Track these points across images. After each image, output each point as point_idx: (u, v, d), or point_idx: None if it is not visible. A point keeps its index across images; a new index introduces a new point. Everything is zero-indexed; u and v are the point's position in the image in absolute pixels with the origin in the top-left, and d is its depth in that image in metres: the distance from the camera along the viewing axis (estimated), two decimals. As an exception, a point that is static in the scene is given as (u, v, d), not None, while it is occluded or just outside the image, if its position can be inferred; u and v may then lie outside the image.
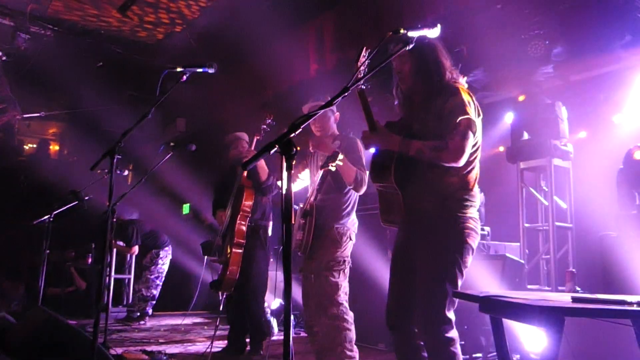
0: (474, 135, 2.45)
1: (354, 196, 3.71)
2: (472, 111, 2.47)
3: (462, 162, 2.42)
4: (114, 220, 7.81)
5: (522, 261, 5.00)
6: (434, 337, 2.38)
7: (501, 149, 6.61)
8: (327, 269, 3.52)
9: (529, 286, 5.07)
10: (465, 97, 2.49)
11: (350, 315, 3.51)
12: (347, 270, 3.60)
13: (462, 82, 2.66)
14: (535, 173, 5.67)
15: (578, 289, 4.36)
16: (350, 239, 3.66)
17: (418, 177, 2.52)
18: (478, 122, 2.50)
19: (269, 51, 7.36)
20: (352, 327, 3.50)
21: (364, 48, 2.47)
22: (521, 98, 5.98)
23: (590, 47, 4.96)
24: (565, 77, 5.99)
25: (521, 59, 5.24)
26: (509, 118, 6.13)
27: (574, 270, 4.63)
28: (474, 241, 2.49)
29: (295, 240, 3.58)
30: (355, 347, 3.46)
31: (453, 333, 2.40)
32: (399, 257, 2.64)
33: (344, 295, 3.53)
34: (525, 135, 5.63)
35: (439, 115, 2.50)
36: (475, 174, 2.57)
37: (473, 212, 2.52)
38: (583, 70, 5.86)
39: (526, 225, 5.51)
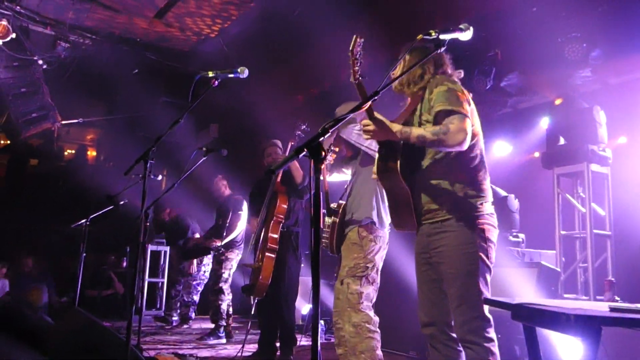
0: (470, 119, 2.41)
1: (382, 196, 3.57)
2: (465, 101, 2.45)
3: (466, 145, 2.37)
4: (168, 217, 7.98)
5: (558, 269, 4.88)
6: (475, 336, 2.35)
7: (536, 154, 6.48)
8: (349, 276, 3.41)
9: (565, 295, 4.94)
10: (455, 86, 2.48)
11: (374, 322, 3.40)
12: (372, 277, 3.45)
13: (454, 75, 2.62)
14: (572, 179, 5.53)
15: (617, 298, 4.22)
16: (375, 241, 3.47)
17: (425, 177, 2.51)
18: (469, 108, 2.47)
19: (300, 57, 7.40)
20: (376, 335, 3.39)
21: (356, 36, 2.40)
22: (558, 101, 5.86)
23: (630, 49, 4.84)
24: (604, 81, 5.84)
25: (558, 62, 5.13)
26: (544, 123, 6.01)
27: (613, 279, 4.49)
28: (493, 235, 2.47)
29: (323, 240, 3.56)
30: (379, 354, 3.37)
31: (493, 333, 2.38)
32: (421, 260, 2.62)
33: (367, 303, 3.41)
34: (562, 141, 5.50)
35: (430, 106, 2.49)
36: (483, 168, 2.55)
37: (487, 208, 2.49)
38: (623, 73, 5.71)
39: (562, 232, 5.37)
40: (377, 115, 2.40)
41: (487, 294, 2.40)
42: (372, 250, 3.47)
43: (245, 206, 6.16)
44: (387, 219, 3.56)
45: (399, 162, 2.44)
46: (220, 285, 5.96)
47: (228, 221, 6.16)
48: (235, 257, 6.12)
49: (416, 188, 2.53)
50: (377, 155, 2.54)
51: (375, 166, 2.54)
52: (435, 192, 2.50)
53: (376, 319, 3.43)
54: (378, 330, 3.42)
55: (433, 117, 2.45)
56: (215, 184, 6.56)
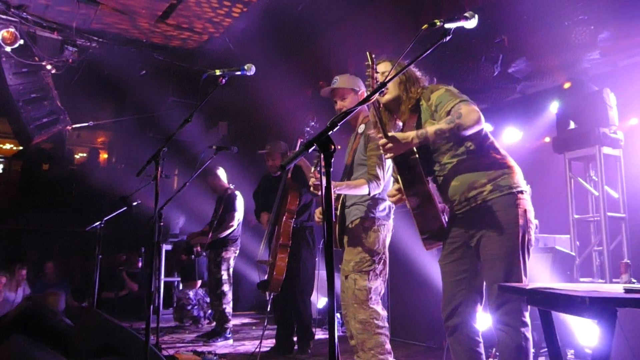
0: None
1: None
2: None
3: (483, 122, 2.43)
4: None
5: (573, 253, 4.86)
6: (512, 319, 2.36)
7: (547, 139, 6.44)
8: (355, 271, 3.32)
9: (581, 279, 4.92)
10: (448, 87, 2.61)
11: (382, 318, 3.31)
12: (379, 269, 3.34)
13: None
14: (584, 163, 5.49)
15: (634, 280, 4.19)
16: (379, 231, 3.36)
17: (454, 175, 2.56)
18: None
19: (307, 51, 7.39)
20: (384, 330, 3.30)
21: (369, 53, 2.59)
22: (567, 85, 5.81)
23: (639, 30, 4.77)
24: (613, 63, 5.77)
25: (565, 46, 5.08)
26: (554, 107, 5.97)
27: (628, 261, 4.46)
28: (532, 216, 2.50)
29: None
30: (387, 348, 3.29)
31: (528, 318, 2.39)
32: (451, 250, 2.62)
33: (375, 297, 3.32)
34: (572, 124, 5.46)
35: (433, 110, 2.58)
36: (500, 151, 2.60)
37: (523, 185, 2.53)
38: (632, 54, 5.63)
39: (576, 216, 5.35)
40: (390, 133, 2.46)
41: (525, 279, 2.41)
42: (377, 240, 3.36)
43: (239, 203, 5.98)
44: (389, 206, 3.48)
45: (423, 177, 2.54)
46: (222, 288, 5.80)
47: (217, 222, 5.98)
48: (232, 255, 5.96)
49: (445, 186, 2.57)
50: (399, 177, 2.61)
51: (401, 187, 2.60)
52: (468, 182, 2.52)
53: (384, 313, 3.35)
54: (387, 324, 3.34)
55: (450, 105, 2.50)
56: (211, 178, 6.22)
